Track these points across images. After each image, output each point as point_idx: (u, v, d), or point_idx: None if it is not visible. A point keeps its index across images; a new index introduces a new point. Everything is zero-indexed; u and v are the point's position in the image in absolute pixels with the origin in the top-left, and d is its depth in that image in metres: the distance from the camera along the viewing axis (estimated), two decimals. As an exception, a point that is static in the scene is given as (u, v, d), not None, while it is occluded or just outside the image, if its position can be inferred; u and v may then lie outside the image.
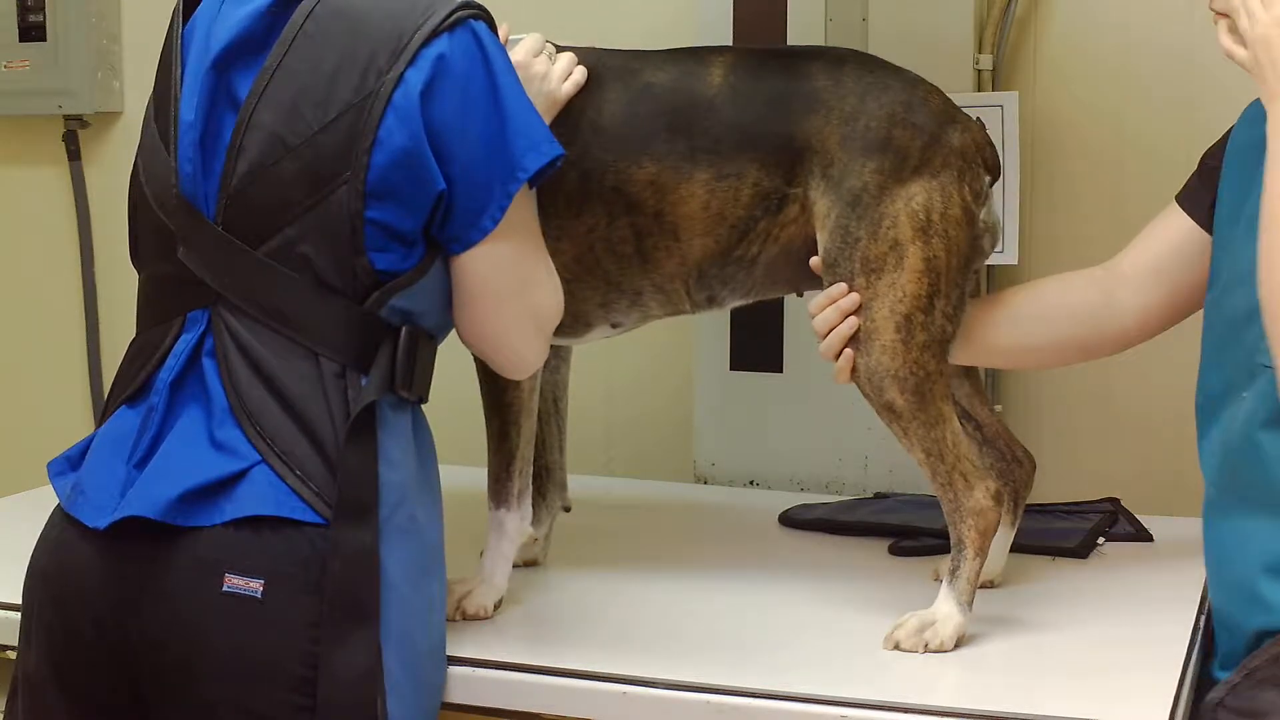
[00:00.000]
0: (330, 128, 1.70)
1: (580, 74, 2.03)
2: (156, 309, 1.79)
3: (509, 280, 1.80)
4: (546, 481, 2.28)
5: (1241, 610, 1.84)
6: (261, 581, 1.64)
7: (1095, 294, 2.07)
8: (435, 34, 1.71)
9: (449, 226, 1.75)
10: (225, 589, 1.64)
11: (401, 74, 1.70)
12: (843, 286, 1.97)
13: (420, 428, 1.82)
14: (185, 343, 1.73)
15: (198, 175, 1.74)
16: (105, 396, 1.85)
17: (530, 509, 2.10)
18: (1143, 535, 2.40)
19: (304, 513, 1.67)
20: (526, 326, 1.84)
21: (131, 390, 1.76)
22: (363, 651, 1.66)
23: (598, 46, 2.16)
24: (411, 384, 1.76)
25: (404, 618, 1.71)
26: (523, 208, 1.79)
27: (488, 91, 1.74)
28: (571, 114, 2.05)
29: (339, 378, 1.71)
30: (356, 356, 1.72)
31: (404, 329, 1.75)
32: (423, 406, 1.83)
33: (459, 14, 1.74)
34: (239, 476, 1.67)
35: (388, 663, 1.68)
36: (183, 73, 1.78)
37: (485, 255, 1.77)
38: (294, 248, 1.71)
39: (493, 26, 1.79)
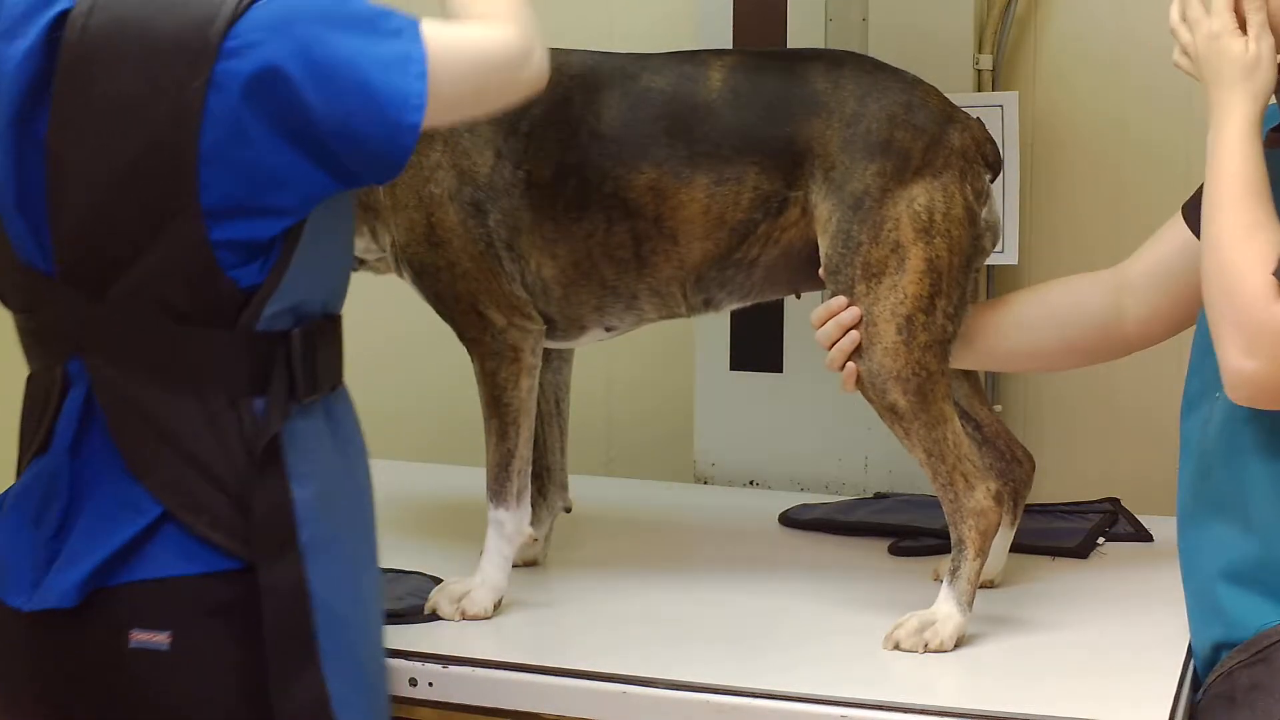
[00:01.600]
0: (145, 155, 1.52)
1: None
2: (35, 353, 1.65)
3: (472, 86, 1.63)
4: (547, 482, 2.28)
5: (1203, 620, 1.84)
6: (168, 634, 1.55)
7: (1099, 300, 2.08)
8: (236, 18, 1.51)
9: (367, 177, 1.60)
10: (132, 645, 1.55)
11: (208, 78, 1.50)
12: (843, 300, 1.97)
13: (335, 415, 1.68)
14: (74, 400, 1.59)
15: (25, 236, 1.58)
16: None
17: (529, 509, 2.10)
18: (1143, 535, 2.40)
19: (217, 562, 1.57)
20: (515, 68, 1.65)
21: (37, 443, 1.62)
22: (310, 687, 1.58)
23: (597, 49, 2.15)
24: (316, 385, 1.63)
25: (340, 634, 1.62)
26: (430, 100, 1.57)
27: (326, 50, 1.53)
28: (570, 120, 2.05)
29: (230, 410, 1.58)
30: (245, 382, 1.59)
31: (294, 332, 1.61)
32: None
33: None
34: (146, 535, 1.56)
35: (333, 688, 1.59)
36: None
37: (431, 121, 1.59)
38: (145, 288, 1.55)
39: None
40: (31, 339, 1.65)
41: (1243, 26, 1.76)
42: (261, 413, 1.58)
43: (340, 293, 1.71)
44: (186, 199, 1.52)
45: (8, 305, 1.67)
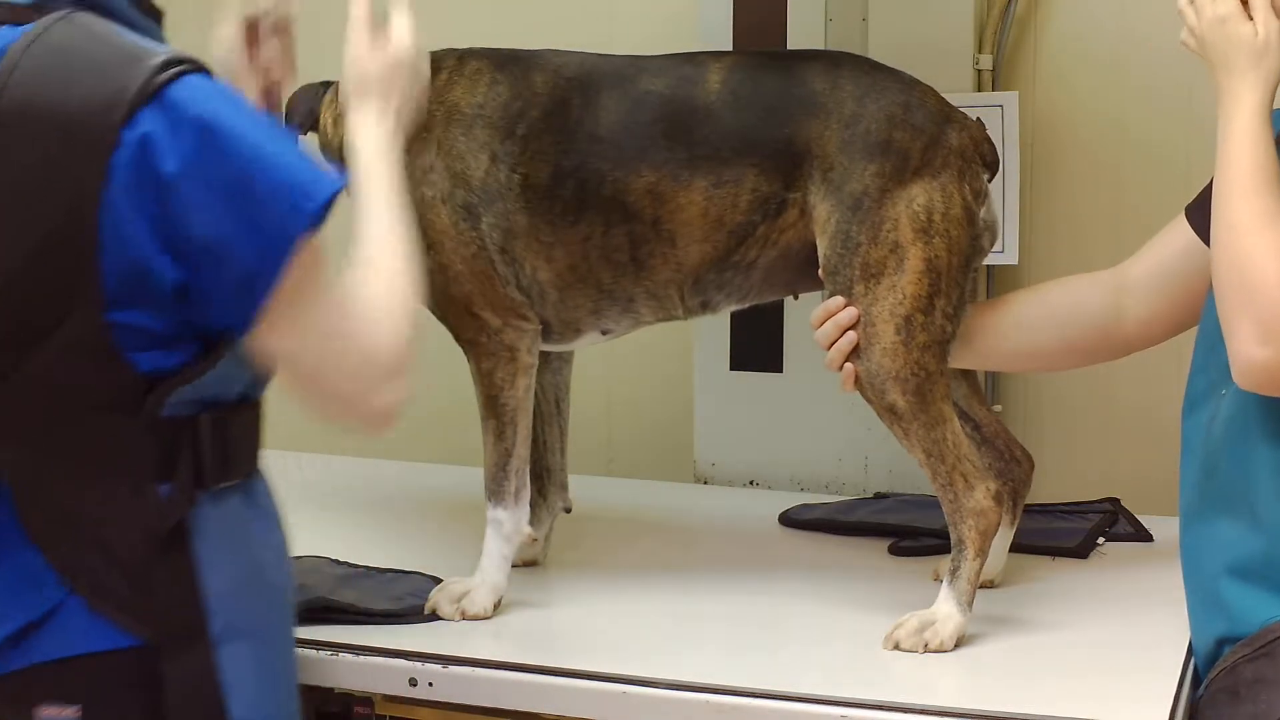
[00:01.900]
0: (46, 241, 1.44)
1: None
2: None
3: (321, 348, 1.52)
4: (547, 482, 2.28)
5: (1206, 615, 1.84)
6: (77, 707, 1.50)
7: (1099, 300, 2.08)
8: (131, 115, 1.43)
9: (214, 316, 1.49)
10: (41, 719, 1.50)
11: (105, 171, 1.43)
12: (840, 300, 1.97)
13: (254, 501, 1.62)
14: None
15: None
16: None
17: (528, 508, 2.10)
18: (1143, 535, 2.40)
19: (123, 639, 1.52)
20: (370, 375, 1.54)
21: None
22: None
23: (597, 49, 2.15)
24: (229, 471, 1.57)
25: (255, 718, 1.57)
26: (306, 264, 1.48)
27: (219, 159, 1.44)
28: (569, 123, 2.05)
29: (136, 496, 1.52)
30: (150, 468, 1.52)
31: (202, 418, 1.54)
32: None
33: (157, 79, 1.44)
34: (50, 614, 1.51)
35: None
36: None
37: (277, 334, 1.50)
38: (48, 373, 1.48)
39: (208, 73, 1.50)
40: None
41: (1250, 10, 1.75)
42: (167, 498, 1.53)
43: (264, 380, 1.61)
44: (87, 286, 1.45)
45: None
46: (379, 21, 1.79)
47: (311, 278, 1.50)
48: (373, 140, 1.72)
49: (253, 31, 1.81)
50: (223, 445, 1.55)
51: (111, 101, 1.43)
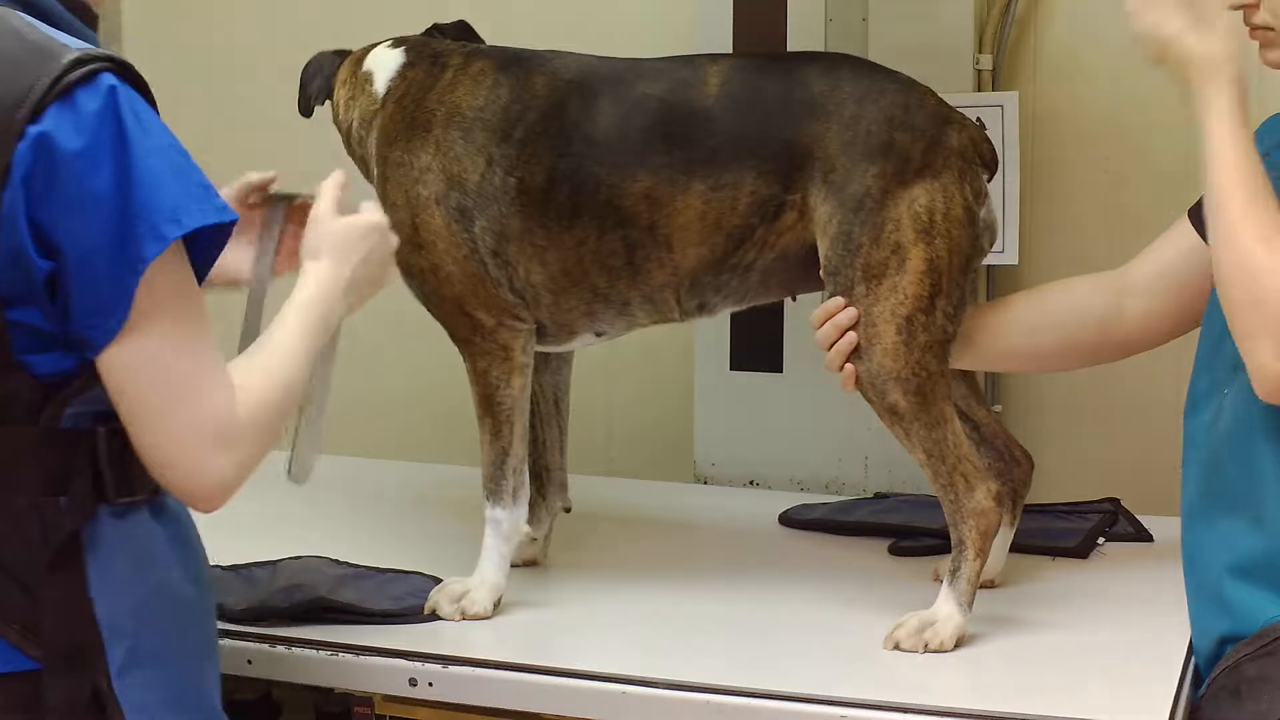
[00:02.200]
0: None
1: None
2: None
3: (154, 389, 1.46)
4: (546, 482, 2.28)
5: (1208, 614, 1.84)
6: None
7: (1101, 301, 2.07)
8: (39, 111, 1.40)
9: (72, 328, 1.44)
10: None
11: (6, 165, 1.40)
12: (840, 301, 1.97)
13: (166, 517, 1.57)
14: None
15: None
16: None
17: (526, 507, 2.10)
18: (1143, 535, 2.40)
19: (22, 662, 1.47)
20: (193, 442, 1.47)
21: None
22: None
23: (596, 51, 2.15)
24: (131, 486, 1.51)
25: None
26: (165, 295, 1.45)
27: (111, 165, 1.41)
28: (565, 127, 2.04)
29: (33, 509, 1.47)
30: (46, 481, 1.47)
31: (101, 430, 1.49)
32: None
33: (68, 77, 1.42)
34: None
35: None
36: None
37: (116, 361, 1.44)
38: None
39: (128, 75, 1.46)
40: None
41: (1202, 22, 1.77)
42: (64, 511, 1.48)
43: None
44: None
45: None
46: (350, 202, 1.78)
47: (166, 311, 1.45)
48: (314, 289, 1.66)
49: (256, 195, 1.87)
50: (123, 459, 1.50)
51: (21, 97, 1.40)
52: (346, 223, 1.68)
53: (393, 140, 2.09)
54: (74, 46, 1.45)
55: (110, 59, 1.45)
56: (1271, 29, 1.83)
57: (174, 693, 1.55)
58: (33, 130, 1.40)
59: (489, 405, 2.07)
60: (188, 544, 1.60)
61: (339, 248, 1.68)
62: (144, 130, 1.44)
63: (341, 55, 2.23)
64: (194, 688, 1.58)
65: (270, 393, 1.54)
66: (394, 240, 1.75)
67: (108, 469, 1.49)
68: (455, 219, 2.05)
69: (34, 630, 1.47)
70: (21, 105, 1.40)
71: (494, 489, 2.08)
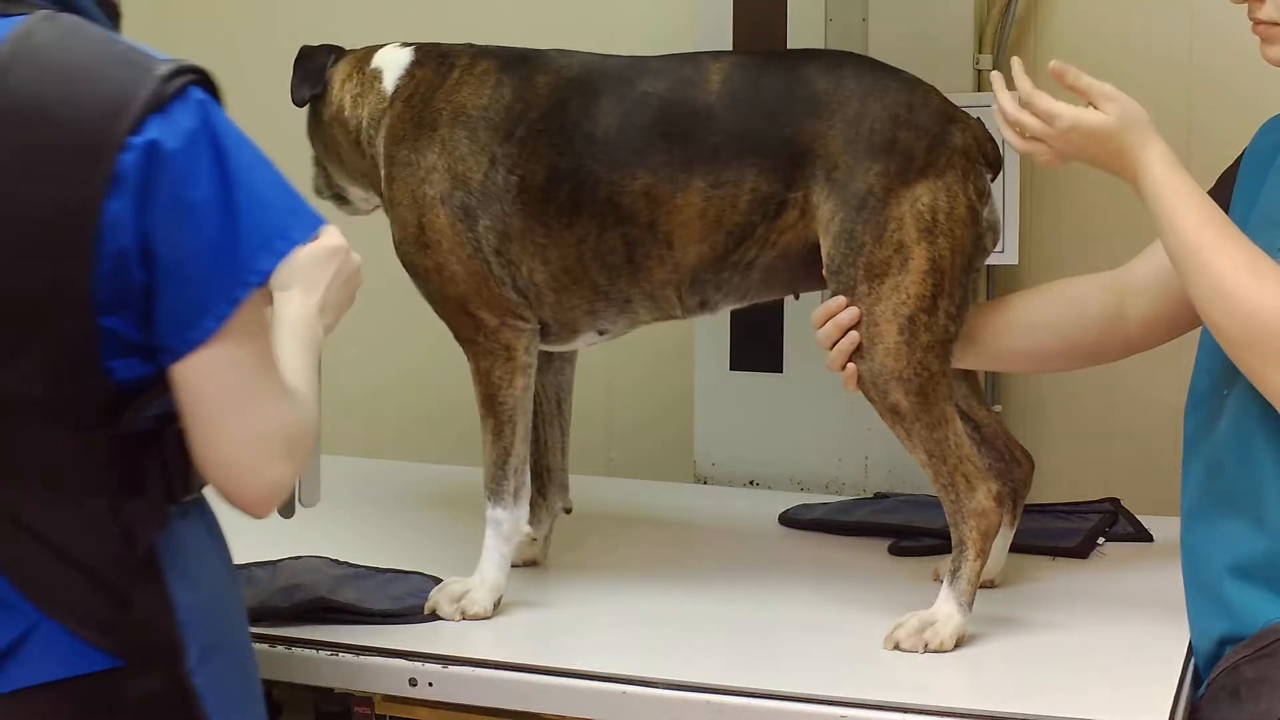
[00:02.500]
0: (31, 253, 1.42)
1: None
2: None
3: (231, 396, 1.49)
4: (547, 482, 2.28)
5: (1208, 614, 1.84)
6: None
7: (1103, 302, 2.07)
8: (140, 122, 1.41)
9: (155, 332, 1.46)
10: None
11: (110, 176, 1.41)
12: (841, 300, 1.97)
13: (205, 514, 1.61)
14: None
15: None
16: None
17: (527, 507, 2.10)
18: (1143, 535, 2.40)
19: (103, 662, 1.49)
20: (261, 449, 1.51)
21: None
22: None
23: (596, 49, 2.15)
24: (191, 485, 1.55)
25: None
26: (254, 311, 1.49)
27: (213, 176, 1.44)
28: (565, 125, 2.05)
29: (111, 513, 1.49)
30: (123, 486, 1.50)
31: (167, 431, 1.51)
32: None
33: (166, 89, 1.43)
34: (22, 640, 1.48)
35: None
36: None
37: (199, 367, 1.47)
38: (18, 392, 1.45)
39: (212, 87, 1.48)
40: None
41: (1093, 100, 1.82)
42: (139, 512, 1.51)
43: None
44: (79, 288, 1.42)
45: None
46: None
47: (250, 321, 1.49)
48: (294, 316, 1.66)
49: None
50: (185, 459, 1.52)
51: (118, 107, 1.41)
52: (309, 251, 1.65)
53: (400, 140, 2.09)
54: (157, 56, 1.46)
55: (195, 70, 1.46)
56: (1276, 24, 1.83)
57: (242, 679, 1.59)
58: (136, 141, 1.41)
59: (491, 405, 2.08)
60: (222, 537, 1.64)
61: (306, 276, 1.67)
62: (237, 143, 1.47)
63: (332, 50, 2.22)
64: (254, 673, 1.63)
65: (313, 408, 1.58)
66: (356, 259, 1.73)
67: (175, 469, 1.52)
68: (460, 218, 2.05)
69: (114, 629, 1.49)
70: (120, 116, 1.41)
71: (495, 489, 2.08)
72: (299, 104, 2.22)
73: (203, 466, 1.52)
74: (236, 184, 1.45)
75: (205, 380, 1.47)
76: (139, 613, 1.50)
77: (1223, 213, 1.76)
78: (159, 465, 1.52)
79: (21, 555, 1.48)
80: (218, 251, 1.45)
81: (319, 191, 2.29)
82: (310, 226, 1.52)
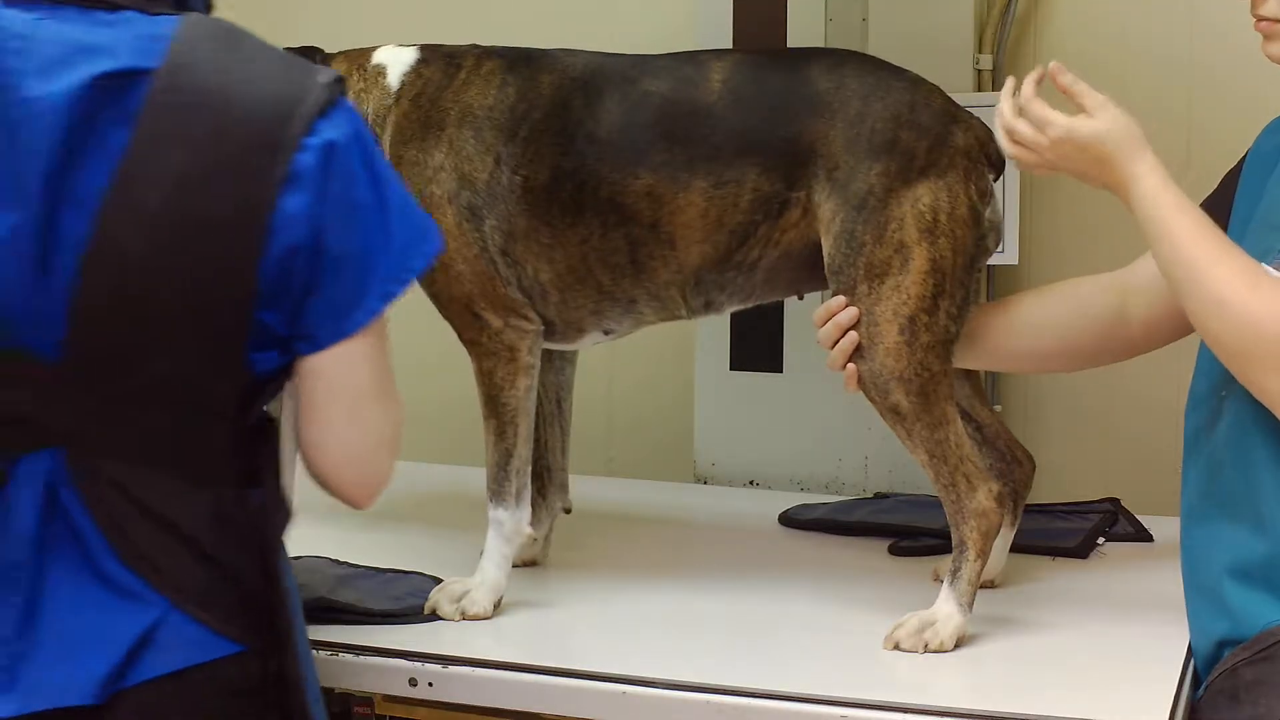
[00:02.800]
0: (208, 242, 1.45)
1: None
2: None
3: (365, 389, 1.55)
4: (547, 482, 2.28)
5: (1207, 616, 1.84)
6: None
7: (1106, 302, 2.07)
8: (313, 122, 1.47)
9: (302, 323, 1.51)
10: None
11: (286, 173, 1.45)
12: (841, 300, 1.97)
13: None
14: (29, 494, 1.47)
15: (23, 310, 1.44)
16: None
17: (529, 508, 2.10)
18: (1143, 535, 2.40)
19: (228, 647, 1.52)
20: (384, 442, 1.59)
21: None
22: None
23: (597, 49, 2.15)
24: (279, 475, 1.59)
25: (321, 714, 1.60)
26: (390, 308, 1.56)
27: (368, 178, 1.51)
28: (568, 124, 2.05)
29: (238, 503, 1.53)
30: (245, 476, 1.54)
31: (269, 422, 1.58)
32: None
33: (332, 94, 1.49)
34: (155, 628, 1.49)
35: None
36: None
37: (340, 359, 1.53)
38: (171, 377, 1.48)
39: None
40: None
41: (1084, 105, 1.80)
42: (260, 502, 1.55)
43: None
44: (246, 280, 1.46)
45: None
46: None
47: (385, 323, 1.56)
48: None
49: None
50: (277, 451, 1.58)
51: (291, 109, 1.46)
52: None
53: (407, 139, 2.09)
54: (307, 62, 1.53)
55: (340, 79, 1.53)
56: (1278, 21, 1.83)
57: (313, 667, 1.62)
58: (311, 142, 1.47)
59: (494, 406, 2.08)
60: None
61: None
62: (378, 150, 1.55)
63: (317, 50, 2.20)
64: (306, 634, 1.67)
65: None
66: None
67: (273, 460, 1.58)
68: (466, 218, 2.05)
69: (237, 615, 1.52)
70: (293, 118, 1.46)
71: (497, 490, 2.08)
72: None
73: (319, 458, 1.58)
74: (386, 187, 1.52)
75: (345, 372, 1.54)
76: (260, 599, 1.53)
77: (1214, 224, 1.76)
78: (271, 457, 1.57)
79: (151, 545, 1.49)
80: (377, 249, 1.51)
81: None
82: (438, 233, 1.58)
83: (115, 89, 1.43)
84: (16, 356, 1.45)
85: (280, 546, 1.56)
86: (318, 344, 1.52)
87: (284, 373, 1.54)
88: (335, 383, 1.54)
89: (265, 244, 1.46)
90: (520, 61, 2.11)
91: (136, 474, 1.49)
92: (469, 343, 2.09)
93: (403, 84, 2.13)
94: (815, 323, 1.99)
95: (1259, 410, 1.75)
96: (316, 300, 1.50)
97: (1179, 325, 2.02)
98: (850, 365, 1.98)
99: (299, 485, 1.72)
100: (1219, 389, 1.82)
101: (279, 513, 1.57)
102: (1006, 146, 1.89)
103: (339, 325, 1.51)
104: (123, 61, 1.44)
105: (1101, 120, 1.81)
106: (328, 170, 1.47)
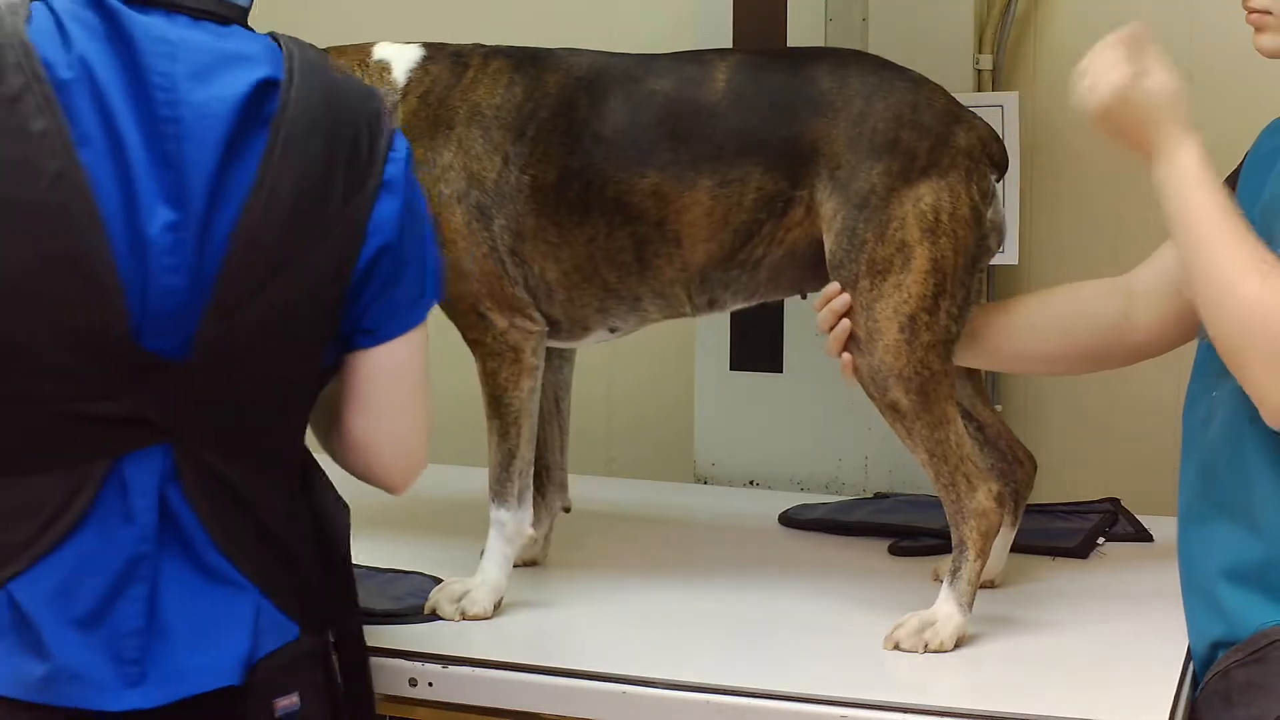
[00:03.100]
0: (327, 238, 1.56)
1: None
2: (75, 446, 1.51)
3: (414, 380, 1.69)
4: (546, 482, 2.28)
5: (1202, 618, 1.84)
6: (295, 694, 1.60)
7: (1111, 307, 2.07)
8: (394, 133, 1.64)
9: (367, 318, 1.63)
10: (279, 713, 1.59)
11: (381, 181, 1.60)
12: (835, 287, 1.97)
13: None
14: (145, 490, 1.52)
15: (170, 304, 1.50)
16: None
17: (531, 509, 2.10)
18: (1143, 535, 2.40)
19: (294, 628, 1.61)
20: (424, 431, 1.71)
21: (47, 542, 1.50)
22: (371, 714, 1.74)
23: (598, 48, 2.15)
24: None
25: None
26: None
27: (417, 193, 1.69)
28: (574, 124, 2.05)
29: (304, 495, 1.65)
30: (304, 469, 1.67)
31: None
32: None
33: (389, 108, 1.71)
34: (258, 613, 1.58)
35: None
36: (119, 148, 1.48)
37: (397, 352, 1.65)
38: (271, 372, 1.57)
39: None
40: (73, 429, 1.50)
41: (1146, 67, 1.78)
42: (319, 491, 1.67)
43: None
44: (348, 274, 1.58)
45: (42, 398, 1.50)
46: None
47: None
48: None
49: None
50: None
51: (380, 122, 1.62)
52: None
53: (416, 137, 2.09)
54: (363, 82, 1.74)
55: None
56: (1270, 13, 1.82)
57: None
58: (395, 154, 1.62)
59: (497, 406, 2.08)
60: None
61: None
62: None
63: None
64: None
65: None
66: None
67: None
68: (475, 217, 2.05)
69: (312, 599, 1.63)
70: (380, 132, 1.62)
71: (499, 490, 2.08)
72: None
73: (368, 447, 1.69)
74: (423, 205, 1.69)
75: (403, 364, 1.66)
76: (322, 584, 1.65)
77: (1239, 213, 1.74)
78: (305, 449, 1.67)
79: (243, 536, 1.57)
80: (428, 250, 1.67)
81: None
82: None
83: (264, 96, 1.54)
84: (149, 360, 1.50)
85: (348, 537, 1.70)
86: (379, 338, 1.64)
87: (333, 369, 1.65)
88: (394, 375, 1.66)
89: (362, 245, 1.58)
90: (526, 60, 2.11)
91: (231, 467, 1.56)
92: (473, 343, 2.09)
93: (409, 81, 2.12)
94: (815, 307, 2.00)
95: (1252, 411, 1.75)
96: (386, 298, 1.62)
97: (1184, 330, 2.02)
98: (846, 354, 1.98)
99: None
100: (1210, 389, 1.82)
101: (340, 505, 1.69)
102: (1079, 86, 1.85)
103: (402, 320, 1.64)
104: (267, 71, 1.55)
105: (1156, 81, 1.78)
106: (407, 179, 1.63)
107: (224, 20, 1.58)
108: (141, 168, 1.47)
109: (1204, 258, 1.72)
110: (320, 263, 1.56)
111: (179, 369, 1.51)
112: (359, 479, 1.74)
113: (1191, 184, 1.74)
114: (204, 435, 1.54)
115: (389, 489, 1.74)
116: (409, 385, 1.68)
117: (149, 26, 1.52)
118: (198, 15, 1.56)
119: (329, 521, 1.67)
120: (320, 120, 1.56)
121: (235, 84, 1.52)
